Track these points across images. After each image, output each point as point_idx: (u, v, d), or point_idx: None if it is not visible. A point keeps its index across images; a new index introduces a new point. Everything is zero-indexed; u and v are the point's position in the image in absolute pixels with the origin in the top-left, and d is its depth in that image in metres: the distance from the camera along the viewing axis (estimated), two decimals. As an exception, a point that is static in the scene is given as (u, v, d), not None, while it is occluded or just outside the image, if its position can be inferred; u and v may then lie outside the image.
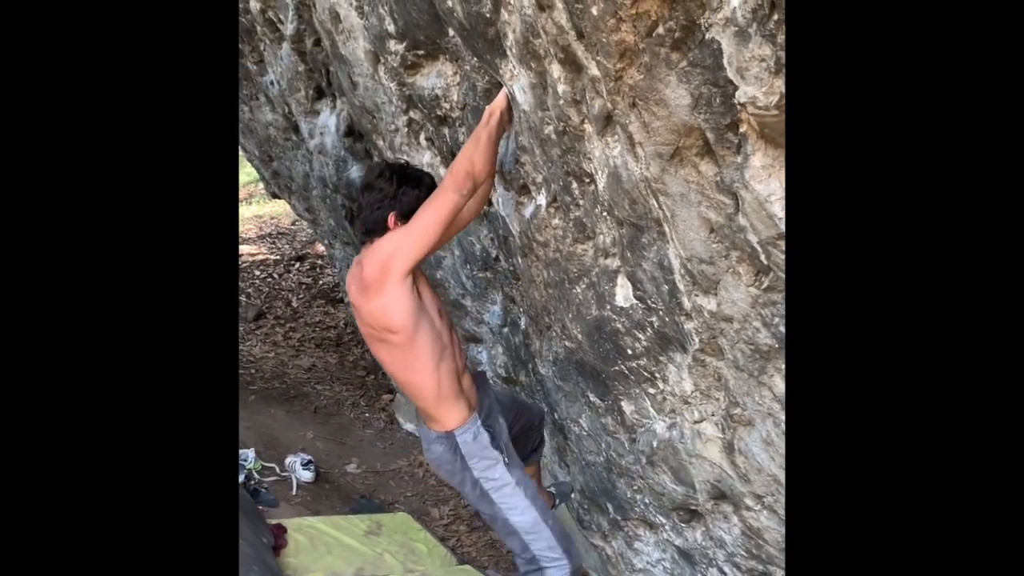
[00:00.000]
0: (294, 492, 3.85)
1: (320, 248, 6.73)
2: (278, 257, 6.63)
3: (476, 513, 2.60)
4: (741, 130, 1.16)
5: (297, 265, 6.50)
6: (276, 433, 4.36)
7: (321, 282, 6.32)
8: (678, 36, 1.14)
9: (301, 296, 6.12)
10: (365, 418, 4.78)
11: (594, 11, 1.22)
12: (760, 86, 1.05)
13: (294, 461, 3.99)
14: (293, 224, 7.68)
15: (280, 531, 3.33)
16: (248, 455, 3.87)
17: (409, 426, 4.65)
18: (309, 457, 4.05)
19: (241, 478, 3.69)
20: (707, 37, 1.09)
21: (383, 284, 1.98)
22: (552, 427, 2.89)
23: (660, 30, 1.15)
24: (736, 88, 1.10)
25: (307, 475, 3.96)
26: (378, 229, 2.06)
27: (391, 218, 2.05)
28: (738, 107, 1.12)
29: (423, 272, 2.21)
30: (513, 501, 2.16)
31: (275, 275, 6.33)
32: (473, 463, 2.14)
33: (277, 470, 3.95)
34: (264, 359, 5.25)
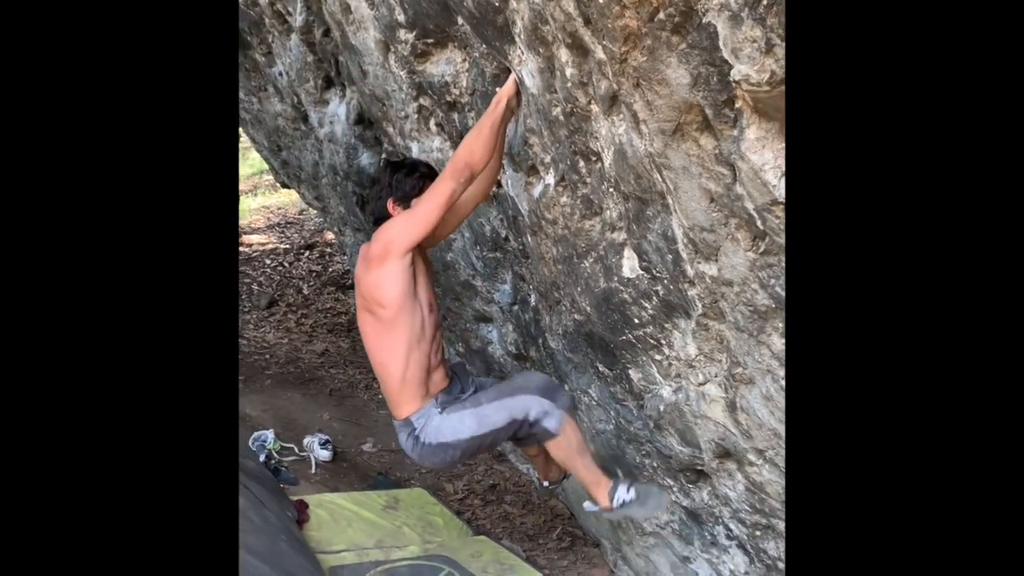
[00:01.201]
0: (313, 470, 3.98)
1: (329, 236, 6.85)
2: (288, 246, 6.75)
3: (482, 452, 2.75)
4: (737, 105, 1.27)
5: (307, 253, 6.62)
6: (293, 415, 4.49)
7: (331, 269, 6.44)
8: (677, 21, 1.24)
9: (312, 284, 6.24)
10: (379, 400, 4.89)
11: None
12: (752, 65, 1.16)
13: (312, 441, 4.12)
14: (300, 213, 7.79)
15: (303, 507, 3.47)
16: (268, 436, 4.00)
17: (421, 406, 4.78)
18: (327, 437, 4.18)
19: (262, 458, 3.82)
20: (704, 21, 1.20)
21: (384, 260, 2.17)
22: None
23: (661, 15, 1.26)
24: (731, 67, 1.20)
25: (325, 454, 4.09)
26: (384, 216, 2.29)
27: (390, 204, 2.29)
28: (733, 84, 1.23)
29: (427, 267, 2.38)
30: (459, 426, 2.28)
31: (285, 263, 6.45)
32: (426, 436, 2.29)
33: (296, 450, 4.08)
34: (278, 345, 5.38)
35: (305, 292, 6.11)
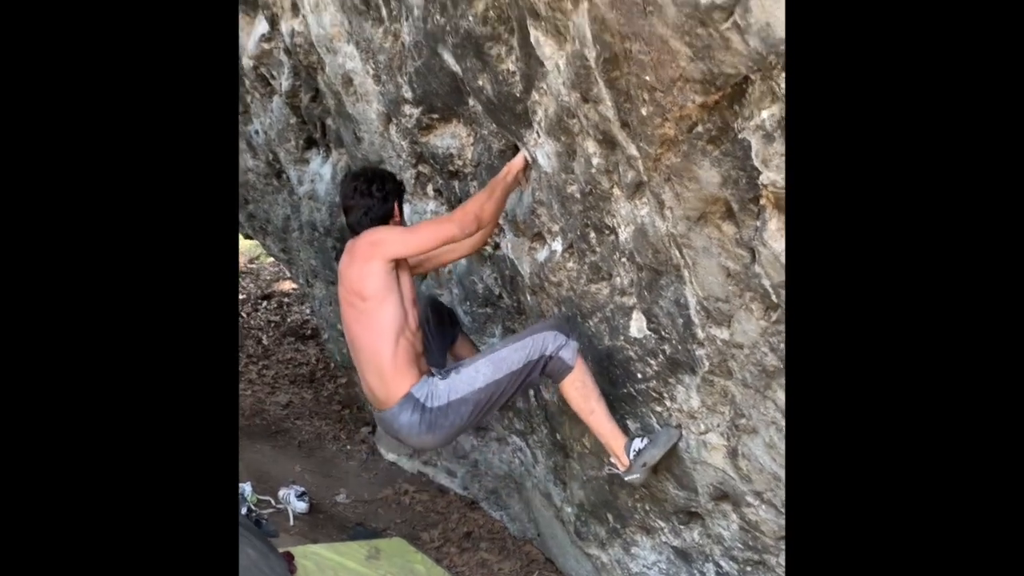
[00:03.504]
0: (291, 522, 4.02)
1: (286, 286, 6.88)
2: (244, 296, 6.75)
3: (499, 409, 2.64)
4: (761, 202, 1.52)
5: (264, 304, 6.63)
6: (265, 467, 4.51)
7: (289, 319, 6.47)
8: (714, 134, 1.49)
9: (271, 334, 6.26)
10: (347, 451, 4.96)
11: (643, 111, 1.57)
12: (780, 173, 1.41)
13: (288, 493, 4.16)
14: (251, 263, 7.78)
15: (289, 557, 3.51)
16: (246, 488, 4.03)
17: (391, 456, 4.86)
18: (302, 488, 4.23)
19: (243, 511, 3.85)
20: (739, 136, 1.45)
21: (369, 258, 2.31)
22: (552, 447, 3.19)
23: (699, 129, 1.50)
24: (760, 173, 1.46)
25: (301, 506, 4.13)
26: (376, 223, 2.44)
27: (396, 213, 2.51)
28: (760, 186, 1.48)
29: (410, 273, 2.51)
30: (472, 377, 2.33)
31: (243, 314, 6.44)
32: (433, 402, 2.32)
33: (272, 502, 4.11)
34: (242, 397, 5.38)
35: (265, 343, 6.12)
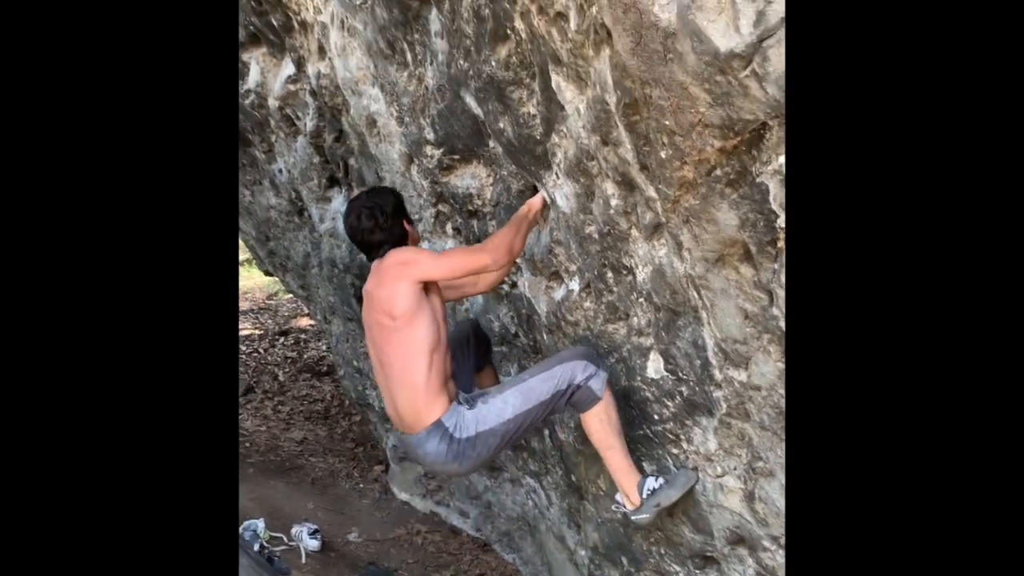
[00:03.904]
0: (303, 560, 4.00)
1: (303, 322, 6.93)
2: (262, 332, 6.81)
3: (526, 433, 2.53)
4: (779, 245, 1.54)
5: (281, 340, 6.69)
6: (278, 504, 4.50)
7: (306, 356, 6.51)
8: (732, 177, 1.52)
9: (287, 370, 6.29)
10: (360, 489, 4.95)
11: (662, 155, 1.60)
12: (798, 215, 1.43)
13: (300, 531, 4.14)
14: (270, 299, 7.86)
15: (300, 597, 3.49)
16: (259, 525, 4.02)
17: (404, 495, 4.84)
18: (315, 526, 4.21)
19: (256, 547, 3.83)
20: (757, 180, 1.48)
21: (398, 278, 2.26)
22: (567, 488, 3.17)
23: (718, 172, 1.53)
24: (778, 216, 1.48)
25: (314, 544, 4.11)
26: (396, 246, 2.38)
27: (408, 228, 2.45)
28: (778, 229, 1.50)
29: (440, 292, 2.42)
30: (501, 408, 2.29)
31: (260, 350, 6.50)
32: (462, 433, 2.28)
33: (285, 539, 4.10)
34: (257, 433, 5.40)
35: (281, 379, 6.16)
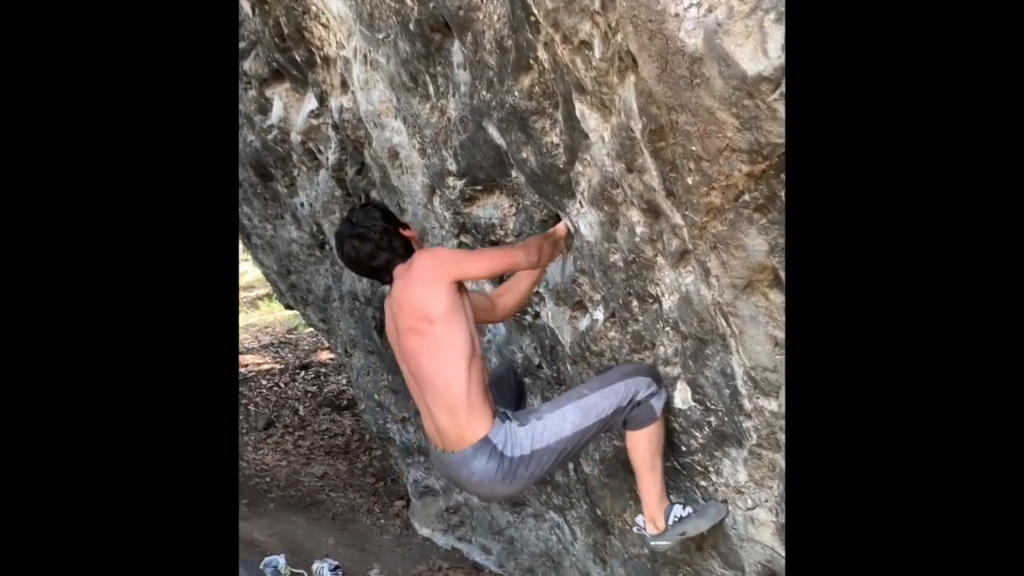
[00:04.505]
0: (324, 597, 3.95)
1: (323, 356, 6.94)
2: (283, 366, 6.82)
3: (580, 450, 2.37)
4: (810, 270, 1.51)
5: (302, 374, 6.69)
6: (299, 539, 4.46)
7: (326, 390, 6.51)
8: (761, 202, 1.50)
9: (307, 404, 6.29)
10: (381, 524, 4.90)
11: (689, 181, 1.59)
12: (830, 239, 1.41)
13: (322, 567, 4.10)
14: (290, 333, 7.89)
15: (321, 634, 3.44)
16: (279, 561, 3.98)
17: (425, 531, 4.78)
18: (336, 562, 4.16)
19: (277, 584, 3.80)
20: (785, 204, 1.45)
21: (432, 279, 2.11)
22: (592, 523, 3.11)
23: (746, 197, 1.52)
24: (809, 240, 1.45)
25: (335, 580, 4.07)
26: (400, 260, 2.24)
27: (408, 233, 2.29)
28: (809, 253, 1.48)
29: (471, 300, 2.27)
30: (559, 426, 2.16)
31: (281, 384, 6.50)
32: (512, 451, 2.14)
33: (306, 575, 4.06)
34: (277, 468, 5.38)
35: (301, 413, 6.15)
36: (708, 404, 2.09)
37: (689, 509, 2.24)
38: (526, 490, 2.33)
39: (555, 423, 2.15)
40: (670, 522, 2.23)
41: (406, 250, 2.25)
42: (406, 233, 2.28)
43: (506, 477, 2.14)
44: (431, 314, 2.10)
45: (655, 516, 2.26)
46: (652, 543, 2.28)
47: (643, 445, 2.23)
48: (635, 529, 2.40)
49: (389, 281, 2.26)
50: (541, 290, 2.71)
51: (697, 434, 2.20)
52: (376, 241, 2.22)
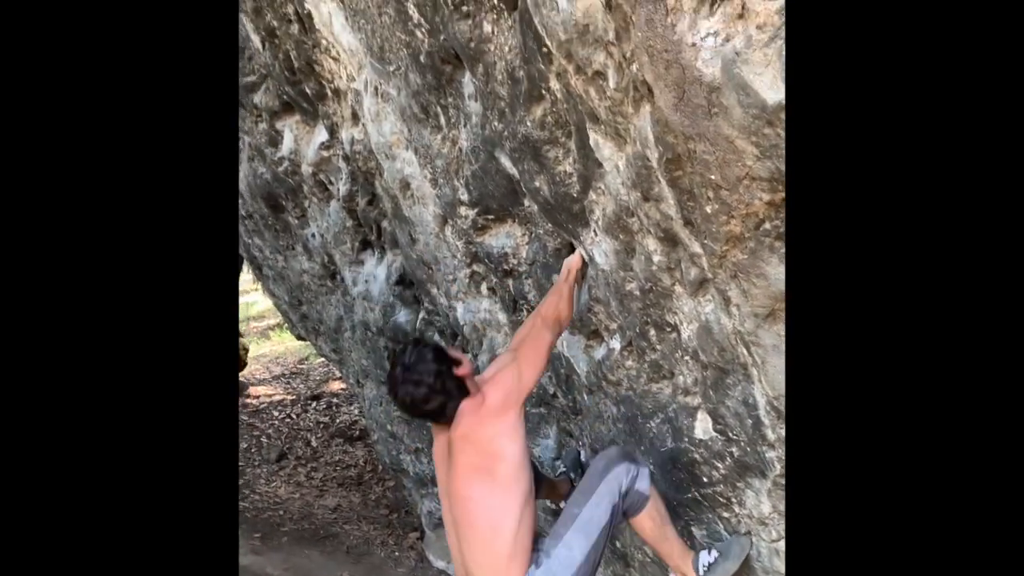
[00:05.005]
0: (339, 633, 3.89)
1: (335, 386, 6.91)
2: (294, 397, 6.79)
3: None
4: (834, 298, 1.49)
5: (314, 404, 6.66)
6: (313, 573, 4.41)
7: (338, 420, 6.47)
8: (782, 230, 1.48)
9: (319, 435, 6.25)
10: (396, 557, 4.84)
11: (707, 209, 1.57)
12: (854, 267, 1.38)
13: (336, 602, 4.05)
14: (301, 364, 7.87)
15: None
16: (293, 597, 3.93)
17: (440, 563, 4.71)
18: (350, 597, 4.11)
19: (290, 621, 3.74)
20: (810, 231, 1.43)
21: (504, 412, 2.05)
22: (611, 555, 3.06)
23: (767, 225, 1.49)
24: (833, 268, 1.43)
25: (349, 616, 4.01)
26: (455, 402, 2.13)
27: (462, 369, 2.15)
28: (833, 282, 1.45)
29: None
30: (584, 526, 2.12)
31: (293, 415, 6.48)
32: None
33: (320, 612, 4.00)
34: (290, 500, 5.34)
35: (314, 444, 6.11)
36: (730, 434, 2.05)
37: (715, 553, 2.19)
38: None
39: (564, 556, 2.09)
40: (701, 572, 2.19)
41: (460, 391, 2.14)
42: (459, 372, 2.15)
43: None
44: (504, 454, 2.05)
45: (684, 570, 2.23)
46: None
47: (647, 525, 2.21)
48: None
49: (447, 421, 2.15)
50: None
51: (719, 465, 2.16)
52: (431, 385, 2.11)
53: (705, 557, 2.20)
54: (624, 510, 2.17)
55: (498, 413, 2.07)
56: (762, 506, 2.09)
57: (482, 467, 2.07)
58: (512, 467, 2.06)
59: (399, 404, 2.18)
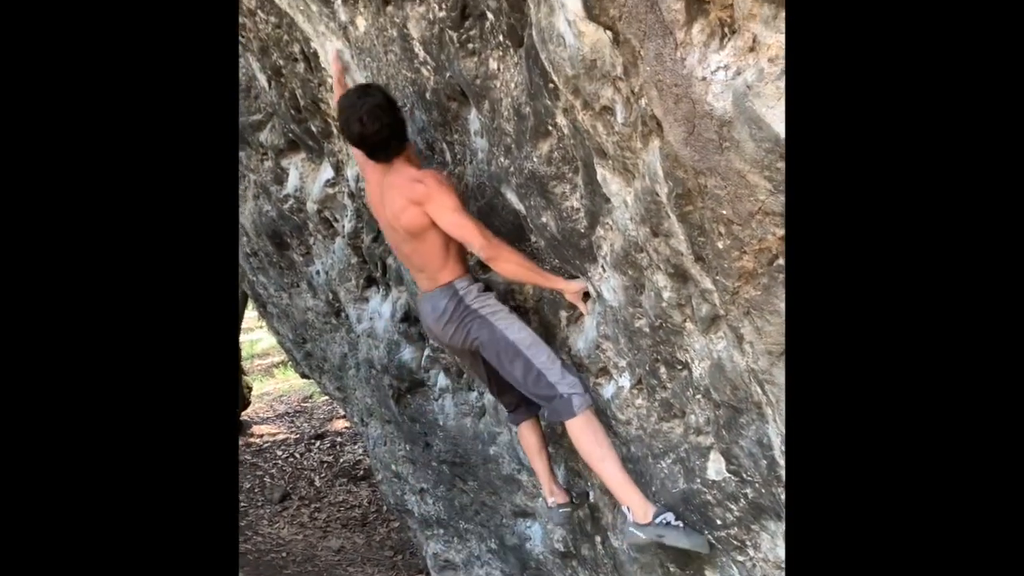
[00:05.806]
0: None
1: (339, 425, 6.84)
2: (298, 436, 6.72)
3: (480, 363, 2.63)
4: (852, 335, 1.45)
5: (317, 444, 6.58)
6: (316, 619, 4.31)
7: (342, 459, 6.39)
8: (797, 264, 1.45)
9: (323, 475, 6.17)
10: (400, 600, 4.73)
11: (719, 245, 1.54)
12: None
13: (338, 648, 3.94)
14: (305, 401, 7.81)
15: None
16: (295, 643, 3.82)
17: (445, 606, 4.60)
18: (353, 643, 4.00)
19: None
20: (825, 267, 1.40)
21: (409, 205, 2.37)
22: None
23: (780, 261, 1.46)
24: (849, 304, 1.39)
25: (352, 663, 3.90)
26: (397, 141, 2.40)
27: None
28: (850, 318, 1.41)
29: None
30: (509, 321, 2.49)
31: (296, 454, 6.40)
32: (469, 299, 2.50)
33: (322, 659, 3.89)
34: (293, 542, 5.24)
35: (317, 484, 6.02)
36: (744, 475, 1.99)
37: (681, 524, 2.27)
38: (465, 349, 2.61)
39: (496, 305, 2.52)
40: (657, 520, 2.26)
41: (402, 133, 2.41)
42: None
43: (456, 326, 2.49)
44: (411, 228, 2.41)
45: (635, 507, 2.29)
46: (630, 529, 2.32)
47: (579, 440, 2.37)
48: (624, 508, 2.39)
49: (379, 160, 2.44)
50: (564, 356, 2.64)
51: (732, 507, 2.09)
52: (383, 120, 2.33)
53: (670, 516, 2.26)
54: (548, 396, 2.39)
55: (407, 199, 2.35)
56: (778, 550, 2.02)
57: (394, 227, 2.48)
58: (416, 235, 2.44)
59: (351, 132, 2.37)
